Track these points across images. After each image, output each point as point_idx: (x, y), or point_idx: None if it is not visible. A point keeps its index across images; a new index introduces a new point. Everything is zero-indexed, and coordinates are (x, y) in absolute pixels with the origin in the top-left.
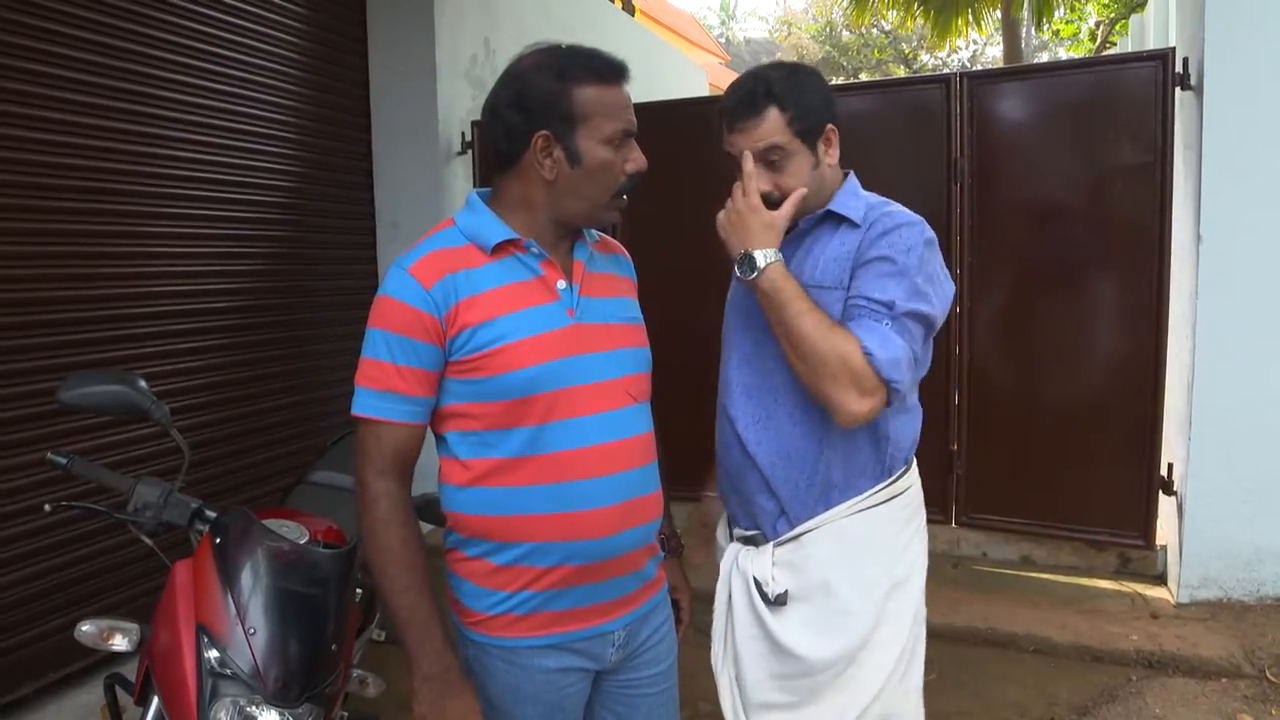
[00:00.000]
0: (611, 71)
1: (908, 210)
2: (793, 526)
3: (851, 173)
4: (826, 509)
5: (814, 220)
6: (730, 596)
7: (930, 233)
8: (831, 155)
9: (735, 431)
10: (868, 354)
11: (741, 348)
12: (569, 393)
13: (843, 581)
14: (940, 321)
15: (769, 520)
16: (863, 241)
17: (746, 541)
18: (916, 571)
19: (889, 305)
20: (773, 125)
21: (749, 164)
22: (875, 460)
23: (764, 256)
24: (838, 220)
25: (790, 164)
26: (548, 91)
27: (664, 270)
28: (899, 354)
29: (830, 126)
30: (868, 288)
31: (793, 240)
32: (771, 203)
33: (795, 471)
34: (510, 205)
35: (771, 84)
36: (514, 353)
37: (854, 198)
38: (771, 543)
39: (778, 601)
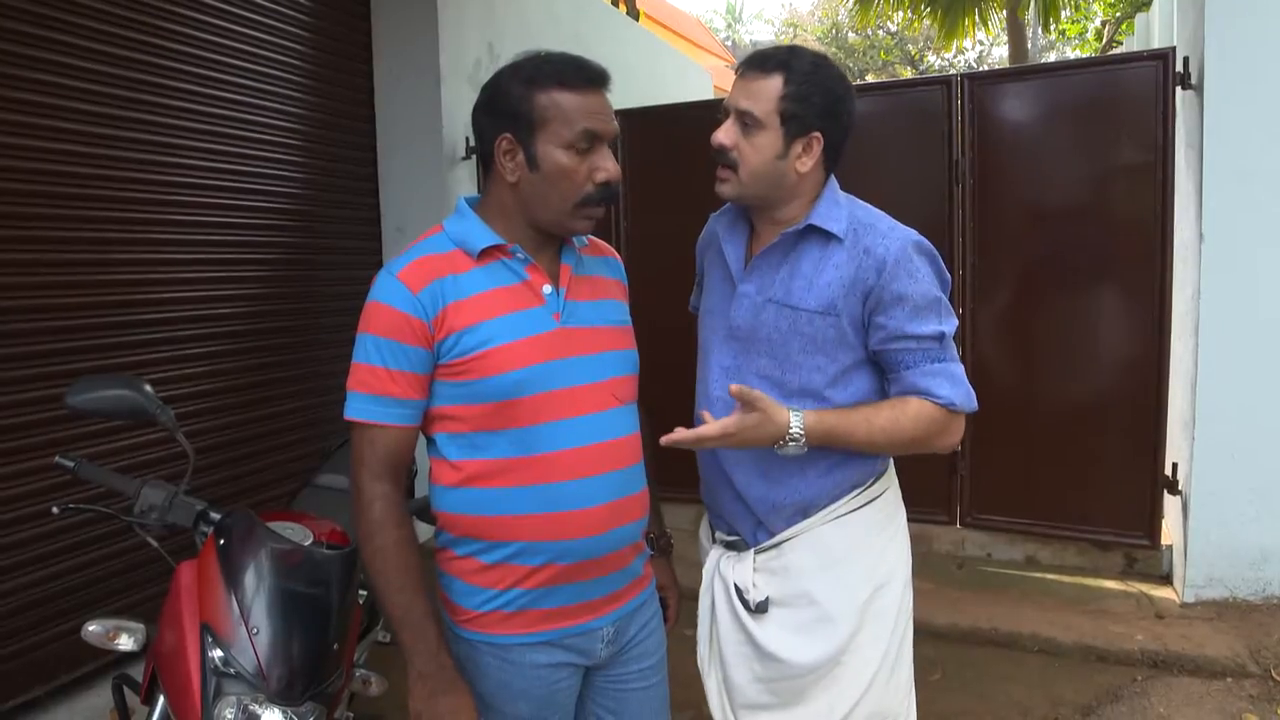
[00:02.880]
0: (580, 77)
1: (894, 221)
2: (771, 536)
3: (832, 178)
4: (804, 519)
5: (795, 234)
6: (713, 602)
7: (924, 241)
8: (803, 163)
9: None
10: (947, 404)
11: (721, 360)
12: (555, 395)
13: (823, 590)
14: None
15: (748, 529)
16: (859, 267)
17: (728, 546)
18: (898, 571)
19: (939, 337)
20: (766, 90)
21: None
22: (851, 473)
23: (794, 425)
24: (821, 235)
25: (757, 137)
26: (513, 96)
27: (667, 271)
28: (965, 381)
29: (815, 135)
30: (910, 325)
31: (773, 254)
32: (723, 161)
33: (771, 490)
34: (494, 211)
35: (794, 59)
36: (500, 356)
37: (835, 207)
38: (752, 549)
39: (758, 609)
